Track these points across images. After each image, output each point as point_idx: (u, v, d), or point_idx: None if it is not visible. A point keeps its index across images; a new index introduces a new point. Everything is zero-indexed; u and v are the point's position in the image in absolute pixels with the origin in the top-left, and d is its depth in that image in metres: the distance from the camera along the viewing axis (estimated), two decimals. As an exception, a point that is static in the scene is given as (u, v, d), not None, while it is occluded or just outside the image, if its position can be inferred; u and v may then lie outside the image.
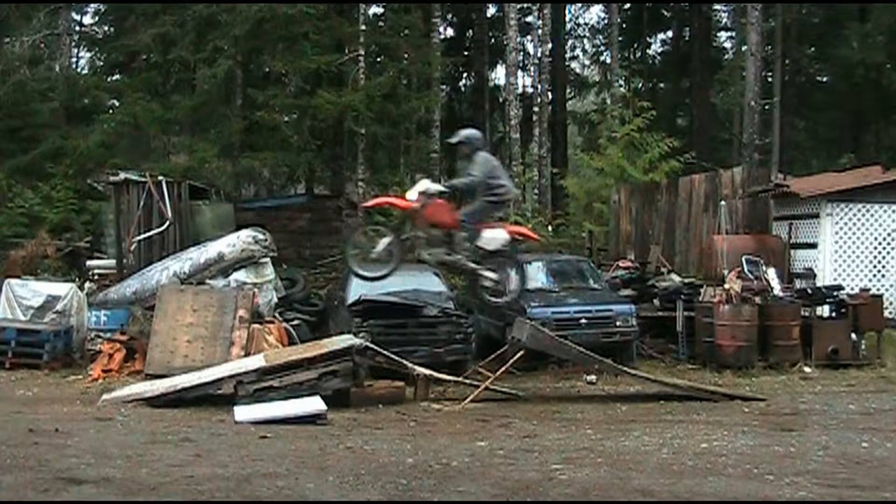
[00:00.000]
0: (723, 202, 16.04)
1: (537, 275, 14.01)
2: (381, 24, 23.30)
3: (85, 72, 26.10)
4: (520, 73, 28.73)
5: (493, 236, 9.86)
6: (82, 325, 13.57)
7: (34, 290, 13.75)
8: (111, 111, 22.04)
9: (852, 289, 14.18)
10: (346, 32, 19.87)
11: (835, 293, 13.81)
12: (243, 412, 9.25)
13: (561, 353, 11.47)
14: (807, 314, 13.56)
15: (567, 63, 32.12)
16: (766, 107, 25.04)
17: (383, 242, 9.76)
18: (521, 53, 29.21)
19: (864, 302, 13.51)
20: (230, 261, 13.61)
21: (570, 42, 33.40)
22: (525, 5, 28.07)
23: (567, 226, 19.72)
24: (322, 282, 16.09)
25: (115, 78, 23.55)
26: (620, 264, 15.64)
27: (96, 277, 14.99)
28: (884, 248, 14.90)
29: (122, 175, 14.99)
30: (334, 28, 19.47)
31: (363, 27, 20.01)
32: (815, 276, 14.80)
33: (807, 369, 12.74)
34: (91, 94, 22.50)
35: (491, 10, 30.25)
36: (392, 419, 9.71)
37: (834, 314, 13.81)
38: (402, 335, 11.96)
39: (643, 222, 17.45)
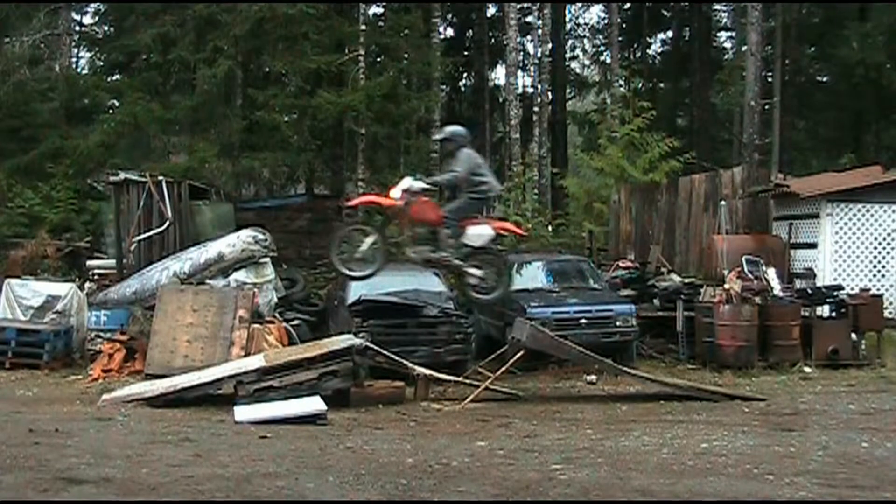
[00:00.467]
0: (723, 202, 16.04)
1: (537, 275, 14.02)
2: (381, 24, 23.29)
3: (85, 72, 26.11)
4: (520, 73, 28.75)
5: (479, 233, 9.82)
6: (82, 325, 13.58)
7: (34, 290, 13.75)
8: (111, 111, 22.04)
9: (852, 289, 14.18)
10: (346, 32, 19.87)
11: (835, 293, 13.80)
12: (243, 412, 9.25)
13: (561, 353, 11.46)
14: (807, 314, 13.56)
15: (567, 63, 32.13)
16: (766, 107, 25.03)
17: (368, 241, 9.74)
18: (521, 53, 29.22)
19: (864, 302, 13.51)
20: (230, 261, 13.61)
21: (570, 42, 33.42)
22: (525, 5, 28.07)
23: (567, 226, 19.72)
24: (322, 282, 16.08)
25: (115, 78, 23.53)
26: (620, 264, 15.63)
27: (96, 277, 14.99)
28: (884, 248, 14.89)
29: (122, 175, 14.99)
30: (334, 28, 19.47)
31: (363, 27, 20.01)
32: (815, 276, 14.79)
33: (807, 369, 12.74)
34: (91, 94, 22.49)
35: (491, 10, 30.26)
36: (392, 419, 9.71)
37: (834, 314, 13.80)
38: (402, 335, 11.96)
39: (643, 222, 17.45)
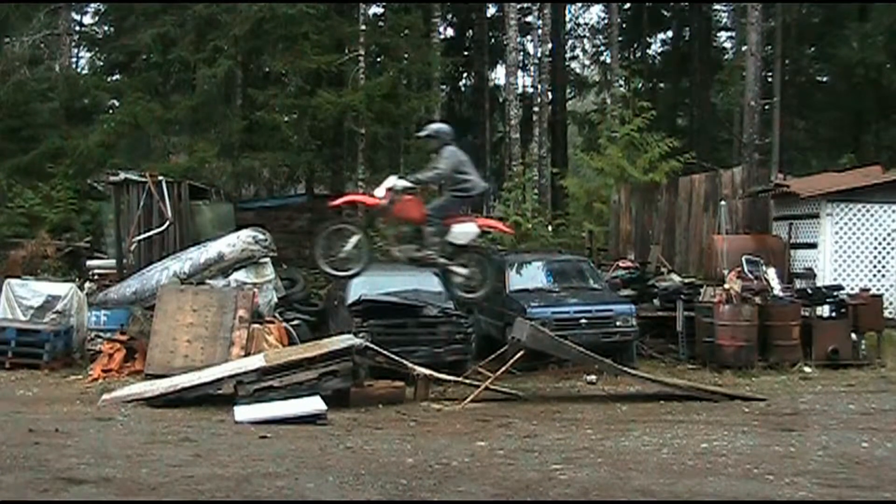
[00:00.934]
0: (723, 202, 16.04)
1: (537, 275, 14.01)
2: (381, 24, 23.29)
3: (85, 72, 26.10)
4: (520, 73, 28.76)
5: (463, 231, 9.79)
6: (82, 325, 13.57)
7: (34, 290, 13.75)
8: (111, 111, 22.03)
9: (852, 289, 14.18)
10: (346, 32, 19.87)
11: (835, 293, 13.80)
12: (243, 412, 9.25)
13: (561, 353, 11.46)
14: (807, 314, 13.56)
15: (567, 63, 32.13)
16: (766, 107, 25.03)
17: (352, 241, 9.72)
18: (521, 53, 29.22)
19: (864, 302, 13.51)
20: (230, 261, 13.61)
21: (570, 42, 33.43)
22: (525, 5, 28.07)
23: (567, 226, 19.71)
24: (322, 282, 16.06)
25: (115, 78, 23.54)
26: (620, 264, 15.63)
27: (96, 277, 14.99)
28: (884, 248, 14.90)
29: (122, 175, 14.99)
30: (334, 28, 19.47)
31: (363, 27, 20.00)
32: (815, 276, 14.80)
33: (807, 369, 12.74)
34: (91, 94, 22.49)
35: (491, 10, 30.26)
36: (392, 419, 9.71)
37: (834, 314, 13.80)
38: (402, 335, 11.96)
39: (643, 222, 17.45)
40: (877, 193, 14.92)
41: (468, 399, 10.51)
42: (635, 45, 32.62)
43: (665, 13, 32.22)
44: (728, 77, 27.95)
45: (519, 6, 25.90)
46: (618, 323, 12.83)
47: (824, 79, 29.79)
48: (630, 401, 11.05)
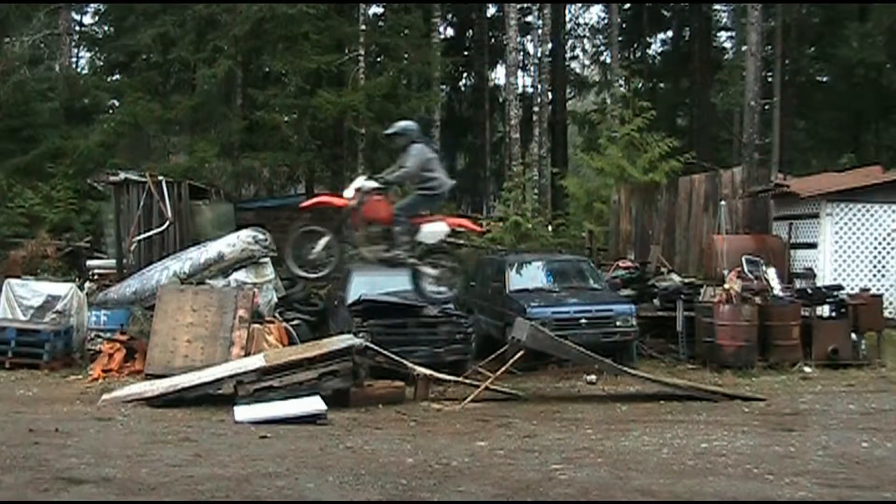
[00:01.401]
0: (723, 202, 16.04)
1: (537, 275, 14.01)
2: (381, 24, 23.31)
3: (85, 72, 26.12)
4: (520, 73, 28.78)
5: (433, 230, 9.75)
6: (82, 325, 13.57)
7: (34, 290, 13.75)
8: (111, 111, 22.05)
9: (852, 289, 14.17)
10: (346, 32, 19.88)
11: (835, 293, 13.80)
12: (243, 412, 9.25)
13: (561, 353, 11.46)
14: (807, 314, 13.55)
15: (567, 63, 32.15)
16: (766, 107, 25.04)
17: (322, 242, 9.71)
18: (521, 53, 29.23)
19: (864, 302, 13.51)
20: (230, 261, 13.61)
21: (570, 42, 33.46)
22: (525, 5, 28.08)
23: (567, 226, 19.71)
24: (322, 282, 16.07)
25: (115, 78, 23.57)
26: (620, 264, 15.63)
27: (96, 277, 14.99)
28: (884, 248, 14.89)
29: (122, 175, 15.00)
30: (334, 28, 19.48)
31: (363, 27, 20.01)
32: (815, 276, 14.79)
33: (807, 369, 12.74)
34: (91, 94, 22.51)
35: (491, 10, 30.29)
36: (392, 419, 9.71)
37: (834, 314, 13.80)
38: (402, 335, 11.96)
39: (643, 222, 17.45)
40: (877, 193, 14.91)
41: (468, 399, 10.51)
42: (635, 45, 32.64)
43: (665, 13, 32.24)
44: (728, 77, 27.92)
45: (519, 6, 25.91)
46: (618, 323, 12.83)
47: (824, 79, 29.79)
48: (630, 401, 11.05)
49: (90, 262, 15.77)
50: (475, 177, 30.65)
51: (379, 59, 21.90)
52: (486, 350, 12.29)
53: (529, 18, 28.43)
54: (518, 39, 25.67)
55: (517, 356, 11.02)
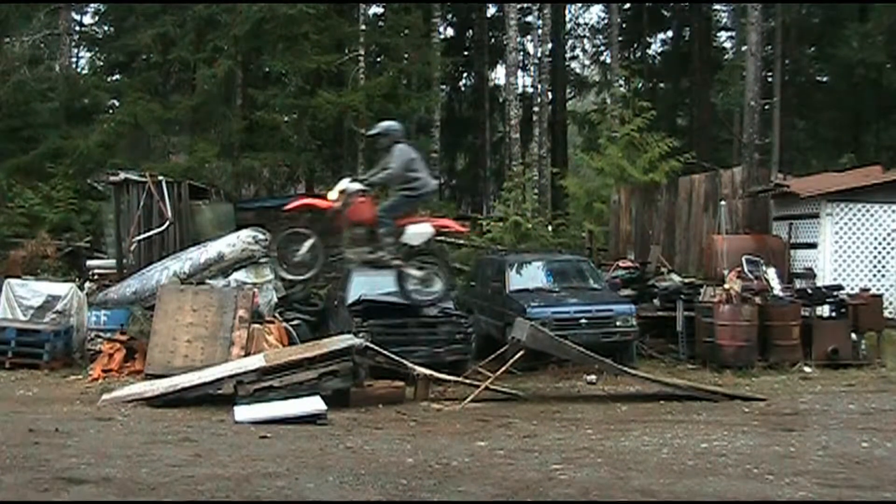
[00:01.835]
0: (723, 202, 16.04)
1: (537, 275, 14.01)
2: (381, 24, 23.32)
3: (85, 72, 26.13)
4: (520, 73, 28.79)
5: (418, 231, 9.72)
6: (82, 325, 13.57)
7: (34, 290, 13.74)
8: (111, 111, 22.06)
9: (852, 289, 14.18)
10: (346, 32, 19.90)
11: (835, 293, 13.80)
12: (243, 412, 9.25)
13: (561, 353, 11.46)
14: (807, 314, 13.55)
15: (567, 63, 32.15)
16: (766, 107, 25.04)
17: (307, 244, 9.68)
18: (521, 53, 29.24)
19: (864, 302, 13.51)
20: (230, 261, 13.61)
21: (570, 42, 33.45)
22: (525, 5, 28.08)
23: (567, 226, 19.71)
24: (322, 282, 16.07)
25: (115, 78, 23.58)
26: (620, 264, 15.63)
27: (96, 277, 14.99)
28: (884, 248, 14.89)
29: (122, 175, 14.99)
30: (334, 28, 19.50)
31: (363, 27, 20.02)
32: (815, 276, 14.79)
33: (807, 369, 12.74)
34: (91, 94, 22.52)
35: (491, 10, 30.30)
36: (392, 419, 9.71)
37: (834, 314, 13.80)
38: (402, 335, 11.96)
39: (643, 222, 17.45)
40: (877, 193, 14.91)
41: (468, 399, 10.50)
42: (635, 45, 32.63)
43: (665, 13, 32.24)
44: (728, 77, 27.96)
45: (519, 6, 25.93)
46: (618, 323, 12.83)
47: (824, 79, 29.79)
48: (630, 401, 11.05)
49: (90, 262, 15.76)
50: (475, 177, 30.66)
51: (379, 59, 21.91)
52: (486, 350, 12.29)
53: (529, 18, 28.44)
54: (518, 39, 25.68)
55: (517, 356, 11.02)
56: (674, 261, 16.50)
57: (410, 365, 10.93)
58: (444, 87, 28.58)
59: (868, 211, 14.89)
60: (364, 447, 7.79)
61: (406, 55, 21.50)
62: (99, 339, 13.01)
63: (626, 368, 11.60)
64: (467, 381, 11.06)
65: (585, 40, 35.35)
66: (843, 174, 17.14)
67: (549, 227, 19.46)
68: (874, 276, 14.83)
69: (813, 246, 15.14)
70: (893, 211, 14.90)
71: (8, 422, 8.64)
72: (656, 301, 14.44)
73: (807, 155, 30.43)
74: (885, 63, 23.71)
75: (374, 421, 9.50)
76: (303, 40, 18.58)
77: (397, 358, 10.87)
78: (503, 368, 10.97)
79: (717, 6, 32.23)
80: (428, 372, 10.95)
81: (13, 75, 20.99)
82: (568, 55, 32.56)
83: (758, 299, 13.25)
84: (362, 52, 19.73)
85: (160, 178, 15.03)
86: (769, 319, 13.03)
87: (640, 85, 27.30)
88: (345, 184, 9.66)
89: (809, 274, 14.90)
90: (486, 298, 14.12)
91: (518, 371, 11.85)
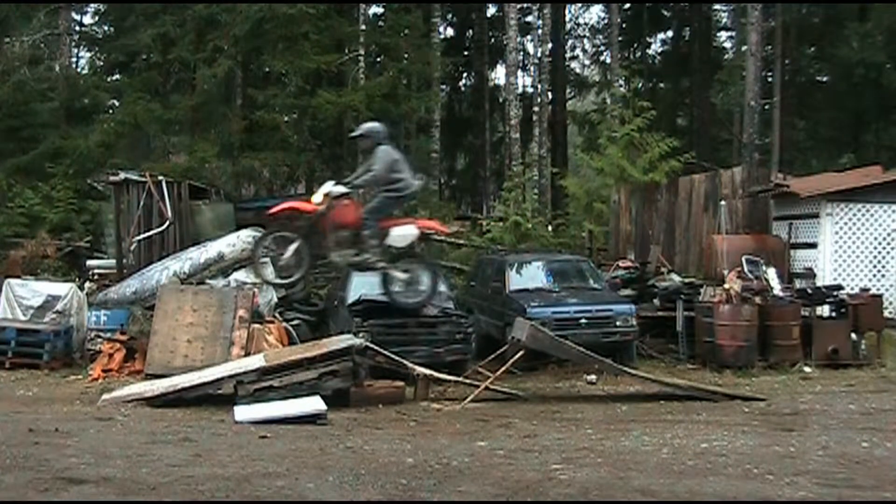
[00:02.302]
0: (723, 202, 16.05)
1: (537, 275, 14.01)
2: (381, 24, 23.33)
3: (85, 72, 26.14)
4: (520, 73, 28.82)
5: (402, 233, 9.68)
6: (82, 325, 13.57)
7: (34, 290, 13.75)
8: (111, 111, 22.07)
9: (852, 289, 14.18)
10: (346, 32, 19.90)
11: (835, 293, 13.81)
12: (243, 412, 9.25)
13: (561, 353, 11.46)
14: (807, 314, 13.55)
15: (567, 63, 32.18)
16: (766, 107, 25.06)
17: (291, 248, 9.65)
18: (521, 53, 29.26)
19: (864, 302, 13.51)
20: (230, 261, 13.62)
21: (570, 42, 33.49)
22: (525, 5, 28.10)
23: (567, 226, 19.71)
24: (322, 282, 16.08)
25: (115, 78, 23.58)
26: (620, 264, 15.63)
27: (96, 277, 14.99)
28: (884, 248, 14.90)
29: (122, 175, 15.00)
30: (334, 28, 19.49)
31: (363, 27, 20.03)
32: (815, 276, 14.80)
33: (807, 369, 12.74)
34: (91, 94, 22.54)
35: (491, 10, 30.31)
36: (392, 419, 9.71)
37: (834, 314, 13.80)
38: (402, 335, 11.95)
39: (643, 222, 17.45)
40: (877, 193, 14.92)
41: (468, 399, 10.50)
42: (635, 45, 32.66)
43: (665, 13, 32.27)
44: (728, 77, 27.99)
45: (519, 6, 25.94)
46: (618, 323, 12.82)
47: (824, 79, 29.81)
48: (630, 401, 11.05)
49: (90, 262, 15.77)
50: (475, 177, 30.68)
51: (379, 59, 21.91)
52: (486, 350, 12.28)
53: (529, 18, 28.46)
54: (518, 39, 25.69)
55: (517, 356, 11.01)
56: (674, 261, 16.51)
57: (410, 365, 10.93)
58: (444, 87, 28.61)
59: (868, 211, 14.89)
60: (364, 447, 7.78)
61: (406, 55, 21.50)
62: (99, 339, 13.01)
63: (626, 368, 11.60)
64: (467, 381, 11.06)
65: (585, 40, 35.44)
66: (843, 174, 17.15)
67: (549, 227, 19.46)
68: (874, 276, 14.83)
69: (813, 246, 15.14)
70: (893, 211, 14.91)
71: (8, 422, 8.64)
72: (656, 301, 14.44)
73: (807, 155, 30.45)
74: (885, 63, 23.71)
75: (374, 421, 9.50)
76: (303, 40, 18.58)
77: (397, 358, 10.87)
78: (503, 368, 10.96)
79: (717, 6, 32.31)
80: (428, 372, 10.95)
81: (13, 75, 20.99)
82: (568, 55, 32.60)
83: (758, 299, 13.25)
84: (362, 52, 19.73)
85: (160, 178, 15.04)
86: (769, 319, 13.03)
87: (640, 85, 27.30)
88: (328, 187, 9.64)
89: (809, 274, 14.91)
90: (486, 298, 14.12)
91: (518, 371, 11.85)
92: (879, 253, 14.90)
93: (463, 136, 31.80)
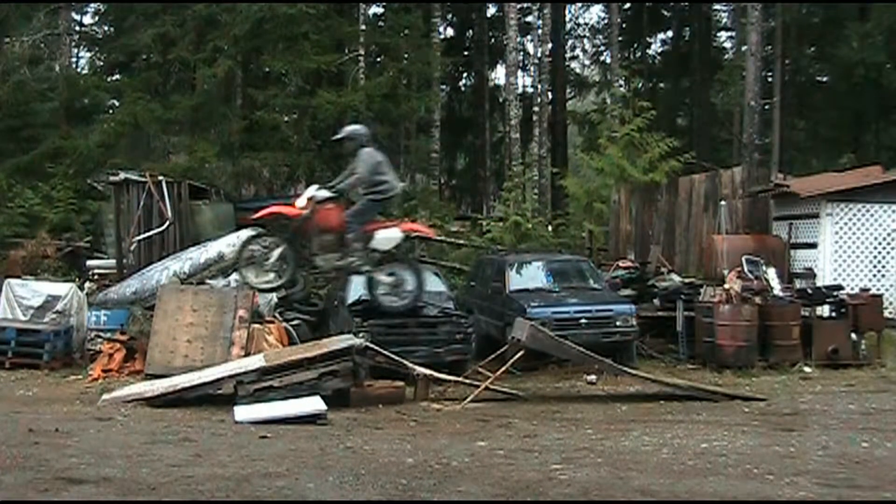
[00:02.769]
0: (723, 202, 16.04)
1: (537, 275, 14.02)
2: (381, 24, 23.33)
3: (85, 72, 26.14)
4: (520, 73, 28.82)
5: (387, 236, 9.65)
6: (82, 325, 13.56)
7: (34, 290, 13.75)
8: (111, 111, 22.07)
9: (852, 289, 14.19)
10: (346, 32, 19.90)
11: (835, 293, 13.81)
12: (243, 412, 9.25)
13: (561, 353, 11.46)
14: (807, 314, 13.56)
15: (567, 63, 32.17)
16: (766, 107, 25.05)
17: (276, 253, 9.63)
18: (521, 53, 29.27)
19: (864, 302, 13.52)
20: (230, 261, 13.59)
21: (570, 42, 33.48)
22: (525, 5, 28.10)
23: (567, 226, 19.71)
24: (322, 282, 16.08)
25: (115, 78, 23.58)
26: (620, 264, 15.62)
27: (96, 277, 14.99)
28: (884, 248, 14.90)
29: (122, 175, 15.00)
30: (334, 28, 19.50)
31: (363, 27, 20.03)
32: (815, 276, 14.80)
33: (807, 369, 12.74)
34: (91, 94, 22.52)
35: (491, 10, 30.31)
36: (392, 419, 9.71)
37: (834, 314, 13.81)
38: (402, 335, 11.94)
39: (643, 222, 17.45)
40: (877, 193, 14.92)
41: (468, 399, 10.50)
42: (635, 45, 32.66)
43: (665, 13, 32.27)
44: (728, 77, 27.96)
45: (519, 6, 25.94)
46: (618, 323, 12.82)
47: (824, 79, 29.81)
48: (630, 401, 11.05)
49: (90, 262, 15.76)
50: (475, 177, 30.67)
51: (379, 59, 21.92)
52: (486, 350, 12.27)
53: (529, 18, 28.46)
54: (518, 39, 25.70)
55: (517, 356, 11.01)
56: (674, 261, 16.51)
57: (410, 365, 10.93)
58: (444, 87, 28.61)
59: (868, 211, 14.89)
60: (364, 447, 7.78)
61: (406, 55, 21.51)
62: (99, 339, 13.01)
63: (626, 368, 11.60)
64: (467, 381, 11.06)
65: (585, 40, 35.45)
66: (843, 174, 17.15)
67: (549, 227, 19.46)
68: (874, 276, 14.84)
69: (813, 246, 15.14)
70: (893, 211, 14.91)
71: (8, 422, 8.64)
72: (656, 301, 14.45)
73: (807, 155, 30.45)
74: (885, 63, 23.71)
75: (374, 421, 9.50)
76: (303, 40, 18.59)
77: (397, 358, 10.87)
78: (503, 368, 10.96)
79: (717, 6, 32.30)
80: (428, 372, 10.95)
81: (13, 75, 21.00)
82: (568, 55, 32.59)
83: (758, 299, 13.25)
84: (362, 52, 19.73)
85: (160, 178, 15.04)
86: (769, 319, 13.03)
87: (640, 85, 27.32)
88: (312, 191, 9.63)
89: (809, 274, 14.91)
90: (486, 298, 14.12)
91: (518, 371, 11.85)
92: (879, 253, 14.90)
93: (463, 136, 31.80)
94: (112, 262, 15.29)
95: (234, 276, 13.52)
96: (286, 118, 19.82)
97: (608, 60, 30.61)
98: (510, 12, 23.00)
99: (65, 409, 9.95)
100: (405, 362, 10.91)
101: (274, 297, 13.85)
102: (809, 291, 14.05)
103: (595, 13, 34.76)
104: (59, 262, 16.38)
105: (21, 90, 20.90)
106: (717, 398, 10.63)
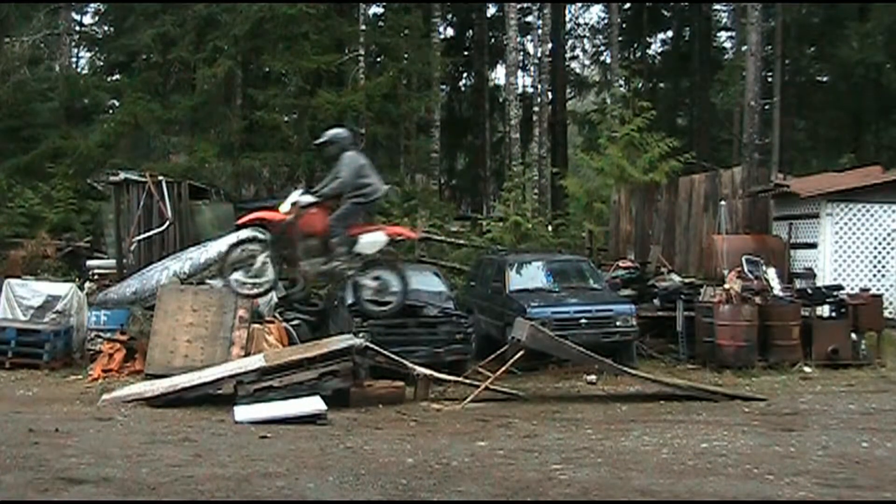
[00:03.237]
0: (723, 202, 16.04)
1: (537, 275, 14.01)
2: (381, 24, 23.34)
3: (85, 72, 26.16)
4: (520, 73, 28.83)
5: (371, 240, 9.61)
6: (82, 325, 13.56)
7: (34, 290, 13.74)
8: (111, 111, 22.08)
9: (852, 289, 14.18)
10: (346, 32, 19.91)
11: (835, 293, 13.81)
12: (243, 412, 9.25)
13: (561, 353, 11.46)
14: (807, 314, 13.55)
15: (567, 63, 32.17)
16: (766, 107, 25.03)
17: (260, 258, 9.64)
18: (521, 53, 29.27)
19: (864, 302, 13.51)
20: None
21: (570, 42, 33.47)
22: (525, 5, 28.10)
23: (567, 226, 19.72)
24: (322, 282, 16.08)
25: (115, 78, 23.60)
26: (620, 264, 15.62)
27: (96, 277, 14.98)
28: (884, 248, 14.90)
29: (122, 175, 14.99)
30: (334, 28, 19.51)
31: (363, 27, 20.03)
32: (815, 276, 14.80)
33: (807, 369, 12.74)
34: (91, 94, 22.55)
35: (491, 10, 30.30)
36: (392, 419, 9.71)
37: (834, 314, 13.80)
38: (402, 335, 11.95)
39: (643, 222, 17.45)
40: (877, 193, 14.92)
41: (468, 399, 10.50)
42: (635, 45, 32.64)
43: (665, 13, 32.26)
44: (728, 77, 27.95)
45: (519, 6, 25.95)
46: (618, 323, 12.82)
47: (824, 79, 29.81)
48: (630, 401, 11.05)
49: (90, 262, 15.76)
50: (475, 177, 30.68)
51: (379, 59, 21.93)
52: (486, 350, 12.28)
53: (529, 18, 28.47)
54: (518, 39, 25.71)
55: (517, 356, 11.01)
56: (674, 261, 16.51)
57: (410, 365, 10.93)
58: (444, 87, 28.59)
59: (868, 211, 14.89)
60: (364, 447, 7.79)
61: (406, 55, 21.51)
62: (99, 339, 13.00)
63: (626, 368, 11.60)
64: (467, 381, 11.06)
65: (585, 40, 35.43)
66: (843, 174, 17.15)
67: (549, 227, 19.47)
68: (874, 276, 14.84)
69: (813, 246, 15.14)
70: (893, 211, 14.91)
71: (8, 422, 8.63)
72: (656, 301, 14.44)
73: (807, 155, 30.44)
74: (885, 63, 23.73)
75: (374, 421, 9.50)
76: (303, 40, 18.60)
77: (397, 358, 10.87)
78: (503, 368, 10.97)
79: (717, 6, 32.28)
80: (428, 372, 10.96)
81: (13, 75, 21.00)
82: (568, 55, 32.59)
83: (758, 299, 13.25)
84: (362, 52, 19.73)
85: (160, 178, 15.03)
86: (769, 319, 13.03)
87: (640, 85, 27.26)
88: (296, 196, 9.60)
89: (809, 274, 14.91)
90: (486, 298, 14.12)
91: (518, 371, 11.85)
92: (879, 253, 14.90)
93: (463, 136, 31.78)
94: (112, 262, 15.29)
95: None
96: (286, 118, 19.82)
97: (608, 60, 30.60)
98: (510, 12, 23.00)
99: (65, 409, 9.95)
100: (405, 362, 10.92)
101: (274, 297, 13.84)
102: (809, 291, 14.05)
103: (595, 13, 34.83)
104: (59, 262, 16.39)
105: (21, 90, 20.92)
106: (717, 398, 10.63)
